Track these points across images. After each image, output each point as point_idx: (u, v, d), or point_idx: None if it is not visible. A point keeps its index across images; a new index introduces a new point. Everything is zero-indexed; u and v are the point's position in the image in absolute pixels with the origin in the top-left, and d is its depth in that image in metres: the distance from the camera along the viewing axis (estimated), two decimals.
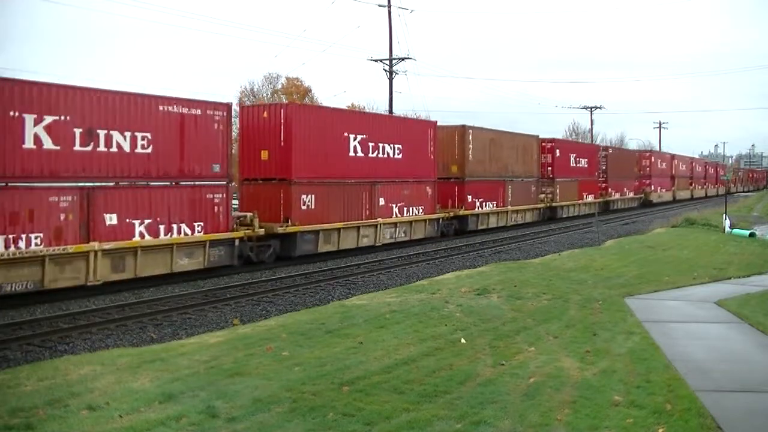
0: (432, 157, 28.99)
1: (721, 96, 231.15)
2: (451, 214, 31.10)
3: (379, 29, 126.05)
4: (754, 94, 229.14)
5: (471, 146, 32.34)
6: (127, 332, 13.27)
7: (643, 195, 59.61)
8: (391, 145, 26.52)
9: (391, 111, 40.51)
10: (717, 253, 23.39)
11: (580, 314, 12.71)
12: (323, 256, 23.38)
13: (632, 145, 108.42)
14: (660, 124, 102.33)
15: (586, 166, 46.95)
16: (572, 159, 45.16)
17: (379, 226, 25.79)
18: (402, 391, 8.01)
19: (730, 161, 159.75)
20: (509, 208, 36.07)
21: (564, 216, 43.67)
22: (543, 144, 41.75)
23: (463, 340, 10.52)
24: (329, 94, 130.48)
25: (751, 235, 30.20)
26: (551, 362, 9.32)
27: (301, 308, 14.91)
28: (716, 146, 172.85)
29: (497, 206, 34.84)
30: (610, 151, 53.29)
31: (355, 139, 24.67)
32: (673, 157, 71.58)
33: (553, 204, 41.90)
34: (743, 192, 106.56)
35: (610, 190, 51.32)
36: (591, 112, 79.42)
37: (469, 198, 32.33)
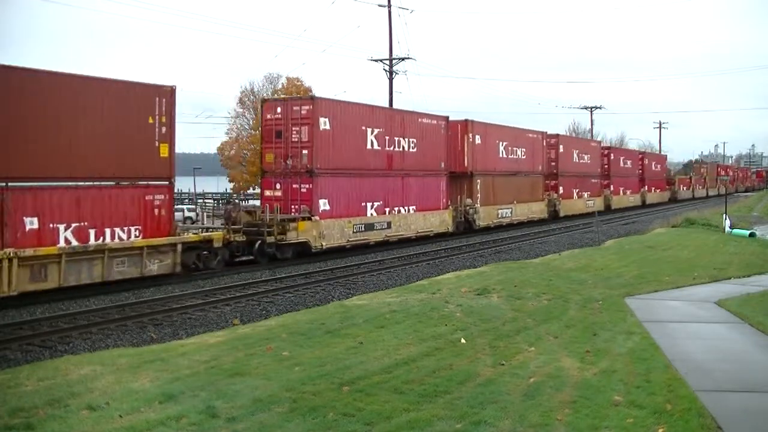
0: None
1: (721, 96, 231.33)
2: None
3: (379, 29, 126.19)
4: (754, 94, 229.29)
5: None
6: (127, 332, 13.26)
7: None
8: None
9: None
10: (717, 253, 23.39)
11: (581, 314, 12.70)
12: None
13: (632, 145, 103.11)
14: (660, 124, 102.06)
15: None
16: None
17: None
18: (402, 391, 8.00)
19: (730, 161, 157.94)
20: None
21: None
22: None
23: (463, 340, 10.51)
24: (329, 94, 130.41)
25: (751, 235, 30.20)
26: (551, 362, 9.31)
27: (301, 308, 14.91)
28: (716, 146, 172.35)
29: None
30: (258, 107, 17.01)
31: None
32: (440, 123, 28.97)
33: None
34: (700, 198, 74.10)
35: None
36: (591, 112, 79.37)
37: None
